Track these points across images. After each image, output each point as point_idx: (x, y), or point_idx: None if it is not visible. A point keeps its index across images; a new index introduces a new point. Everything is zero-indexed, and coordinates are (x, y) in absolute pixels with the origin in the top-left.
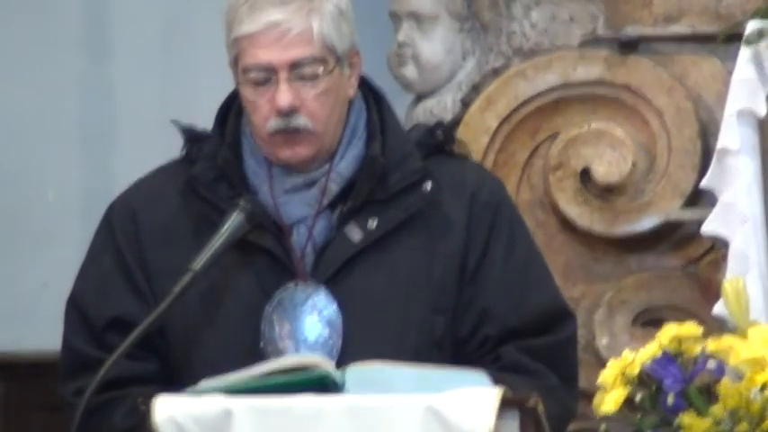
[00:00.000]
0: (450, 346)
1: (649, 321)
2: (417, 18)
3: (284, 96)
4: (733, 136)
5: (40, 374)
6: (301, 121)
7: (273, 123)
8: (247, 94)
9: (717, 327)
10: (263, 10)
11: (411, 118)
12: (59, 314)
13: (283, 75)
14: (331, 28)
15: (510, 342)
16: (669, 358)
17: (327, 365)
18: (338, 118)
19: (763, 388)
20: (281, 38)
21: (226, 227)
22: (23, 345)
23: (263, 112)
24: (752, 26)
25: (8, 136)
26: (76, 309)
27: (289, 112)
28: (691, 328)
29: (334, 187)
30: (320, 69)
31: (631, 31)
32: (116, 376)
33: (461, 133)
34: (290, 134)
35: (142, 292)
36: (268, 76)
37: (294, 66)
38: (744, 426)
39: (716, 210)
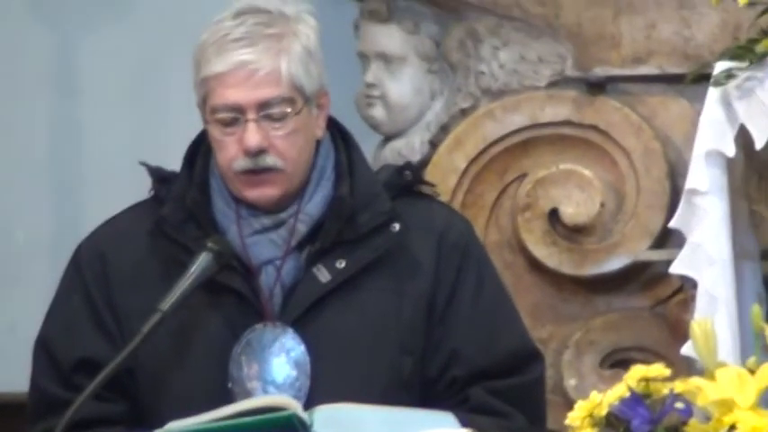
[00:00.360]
0: (419, 386)
1: (617, 362)
2: (386, 59)
3: (252, 137)
4: (701, 177)
5: (7, 415)
6: (270, 160)
7: (242, 163)
8: (215, 133)
9: (685, 367)
10: (232, 50)
11: (379, 159)
12: (27, 355)
13: (251, 115)
14: (299, 68)
15: (478, 383)
16: (637, 399)
17: (295, 407)
18: (306, 158)
19: (731, 429)
20: (249, 78)
21: (194, 267)
22: None
23: (230, 152)
24: (720, 67)
25: None
26: (44, 350)
27: (257, 153)
28: (658, 369)
29: (302, 228)
30: (288, 109)
31: (600, 71)
32: (84, 417)
33: (430, 174)
34: (257, 174)
35: (110, 333)
36: (236, 116)
37: (262, 106)
38: None
39: (684, 250)
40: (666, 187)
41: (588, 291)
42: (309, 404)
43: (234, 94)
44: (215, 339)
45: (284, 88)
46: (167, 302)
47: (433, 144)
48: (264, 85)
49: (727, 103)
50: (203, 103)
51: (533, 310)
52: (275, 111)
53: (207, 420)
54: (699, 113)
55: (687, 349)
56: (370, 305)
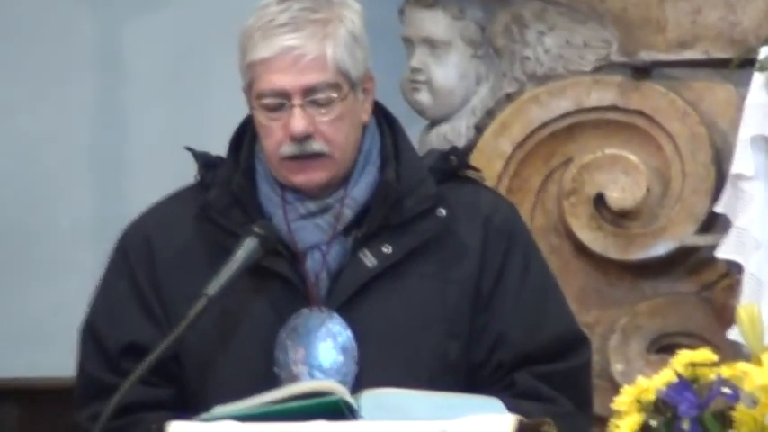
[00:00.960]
0: (465, 371)
1: (664, 347)
2: (431, 44)
3: (298, 122)
4: (747, 161)
5: (53, 400)
6: (316, 146)
7: (287, 149)
8: (261, 119)
9: (731, 352)
10: (278, 35)
11: (425, 143)
12: (73, 340)
13: (297, 100)
14: (345, 53)
15: (524, 368)
16: (684, 384)
17: (342, 392)
18: (353, 143)
19: None
20: (295, 63)
21: (240, 252)
22: (37, 370)
23: (276, 138)
24: (765, 51)
25: (21, 162)
26: (91, 335)
27: (303, 138)
28: (705, 354)
29: (348, 213)
30: (334, 95)
31: (645, 56)
32: (131, 402)
33: (475, 159)
34: (304, 159)
35: (156, 318)
36: (282, 101)
37: (308, 91)
38: None
39: (730, 235)
40: (712, 172)
41: (634, 275)
42: (356, 389)
43: (280, 80)
44: (261, 324)
45: (330, 74)
46: (213, 287)
47: (479, 129)
48: (310, 70)
49: None
50: (249, 88)
51: (579, 294)
52: (321, 96)
53: (253, 405)
54: (744, 98)
55: (733, 334)
56: (415, 290)
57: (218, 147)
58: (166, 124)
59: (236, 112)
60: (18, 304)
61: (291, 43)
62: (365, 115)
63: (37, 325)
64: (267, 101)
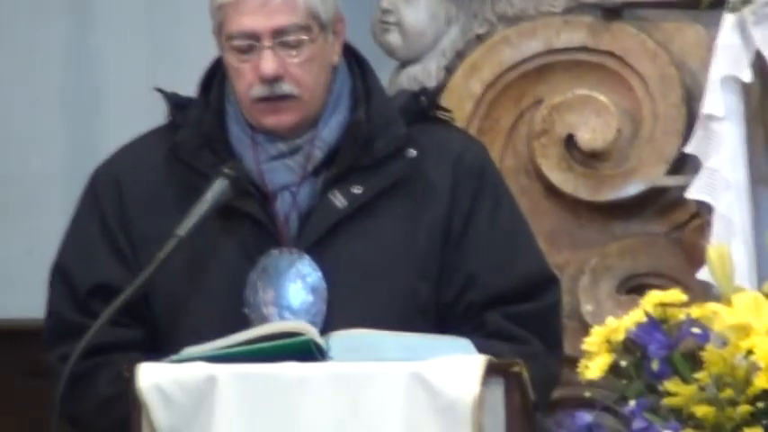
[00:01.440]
0: (435, 312)
1: (634, 288)
2: None
3: (268, 64)
4: (717, 102)
5: (24, 341)
6: (286, 87)
7: (258, 90)
8: (231, 61)
9: (702, 293)
10: None
11: (395, 84)
12: (44, 281)
13: (267, 42)
14: None
15: (495, 308)
16: (654, 324)
17: (312, 332)
18: (323, 85)
19: (747, 354)
20: (265, 5)
21: (210, 193)
22: (7, 312)
23: (246, 79)
24: None
25: None
26: (61, 275)
27: (273, 80)
28: (675, 295)
29: (318, 154)
30: (304, 37)
31: None
32: (101, 342)
33: (445, 100)
34: (274, 101)
35: (126, 259)
36: (252, 43)
37: (278, 33)
38: (728, 392)
39: (700, 176)
40: (683, 113)
41: (605, 216)
42: (325, 330)
43: (250, 22)
44: (230, 265)
45: (300, 15)
46: (184, 228)
47: (449, 70)
48: (280, 12)
49: (742, 29)
50: (219, 30)
51: (550, 235)
52: (291, 38)
53: (223, 346)
54: (714, 39)
55: (704, 274)
56: (386, 231)
57: (191, 88)
58: (138, 65)
59: (209, 53)
60: None
61: None
62: (335, 57)
63: (7, 267)
64: (237, 42)
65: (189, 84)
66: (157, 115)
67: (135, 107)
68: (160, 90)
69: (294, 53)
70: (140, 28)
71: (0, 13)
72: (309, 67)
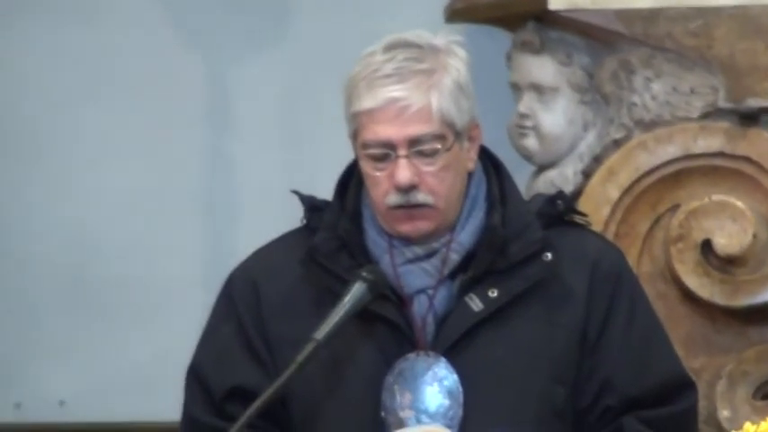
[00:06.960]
0: (572, 416)
1: None
2: (538, 89)
3: (403, 173)
4: None
5: None
6: (421, 197)
7: (393, 198)
8: (367, 168)
9: None
10: (383, 86)
11: (532, 189)
12: (179, 385)
13: (402, 151)
14: (450, 104)
15: (631, 412)
16: None
17: None
18: (458, 192)
19: None
20: (400, 114)
21: (348, 297)
22: (144, 415)
23: (382, 187)
24: None
25: (133, 209)
26: (197, 378)
27: (408, 189)
28: None
29: (454, 257)
30: (439, 146)
31: (752, 102)
32: None
33: (582, 204)
34: (410, 209)
35: (263, 362)
36: (387, 151)
37: (413, 142)
38: None
39: None
40: None
41: (741, 322)
42: None
43: (385, 131)
44: (368, 368)
45: (435, 125)
46: (322, 332)
47: (586, 175)
48: (415, 121)
49: None
50: (355, 136)
51: (686, 340)
52: (426, 147)
53: None
54: None
55: None
56: (522, 335)
57: (327, 191)
58: (274, 169)
59: (345, 156)
60: (124, 349)
61: (396, 95)
62: (471, 163)
63: (142, 370)
64: (372, 151)
65: (325, 187)
66: (294, 218)
67: (271, 210)
68: (296, 192)
69: (429, 161)
70: (276, 130)
71: (140, 121)
72: (444, 175)
